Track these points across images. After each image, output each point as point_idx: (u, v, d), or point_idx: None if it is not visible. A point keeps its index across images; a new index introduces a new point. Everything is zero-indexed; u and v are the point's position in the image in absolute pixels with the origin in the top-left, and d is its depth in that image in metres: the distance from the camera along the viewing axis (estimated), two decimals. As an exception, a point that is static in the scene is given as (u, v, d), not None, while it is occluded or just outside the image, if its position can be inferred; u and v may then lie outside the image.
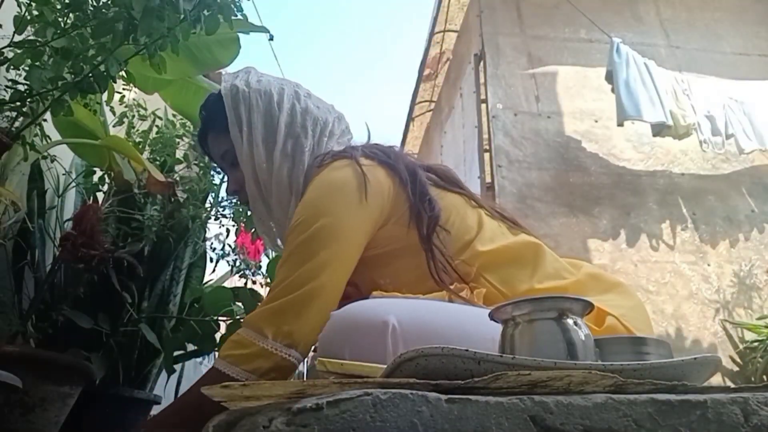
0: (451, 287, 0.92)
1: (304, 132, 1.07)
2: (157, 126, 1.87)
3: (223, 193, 1.81)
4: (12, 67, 1.14)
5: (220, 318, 1.58)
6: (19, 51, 1.10)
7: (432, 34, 4.45)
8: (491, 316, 0.68)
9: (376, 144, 1.11)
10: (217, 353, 1.51)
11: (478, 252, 0.97)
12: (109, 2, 1.10)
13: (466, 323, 0.81)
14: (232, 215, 1.89)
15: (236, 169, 1.10)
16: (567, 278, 0.98)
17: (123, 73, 1.27)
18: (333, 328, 0.81)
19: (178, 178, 1.76)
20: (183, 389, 1.78)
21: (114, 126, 1.80)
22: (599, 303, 0.88)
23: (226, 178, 1.19)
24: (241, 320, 1.45)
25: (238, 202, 1.18)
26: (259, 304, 0.94)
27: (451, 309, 0.86)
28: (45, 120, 1.31)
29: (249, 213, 1.78)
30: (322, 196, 0.97)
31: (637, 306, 0.97)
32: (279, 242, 1.15)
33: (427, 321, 0.81)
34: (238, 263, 1.99)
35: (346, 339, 0.78)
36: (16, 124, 1.22)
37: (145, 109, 1.87)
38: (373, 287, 0.95)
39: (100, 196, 1.74)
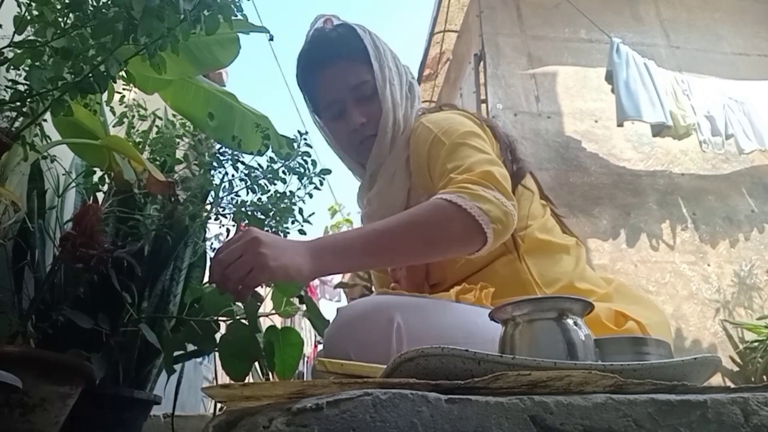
0: (458, 288, 0.93)
1: (410, 86, 1.13)
2: (157, 126, 1.87)
3: (222, 193, 1.80)
4: (12, 67, 1.14)
5: (220, 318, 1.58)
6: (19, 51, 1.10)
7: (432, 34, 4.45)
8: (491, 317, 0.68)
9: None
10: (217, 352, 1.51)
11: (533, 238, 1.00)
12: (109, 2, 1.10)
13: (471, 323, 0.81)
14: (232, 215, 1.88)
15: (367, 101, 1.08)
16: (601, 289, 1.00)
17: (123, 73, 1.27)
18: (339, 322, 0.82)
19: (178, 178, 1.75)
20: (183, 389, 1.78)
21: (114, 126, 1.80)
22: (623, 309, 0.90)
23: (348, 113, 1.10)
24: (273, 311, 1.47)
25: (356, 140, 1.10)
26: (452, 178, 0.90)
27: (456, 309, 0.87)
28: (45, 120, 1.31)
29: (250, 214, 1.77)
30: (461, 120, 1.03)
31: (662, 323, 0.98)
32: (379, 182, 1.11)
33: (432, 320, 0.81)
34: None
35: (351, 334, 0.79)
36: (16, 124, 1.22)
37: (145, 109, 1.87)
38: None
39: (100, 196, 1.74)
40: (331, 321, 0.84)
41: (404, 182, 1.07)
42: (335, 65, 1.09)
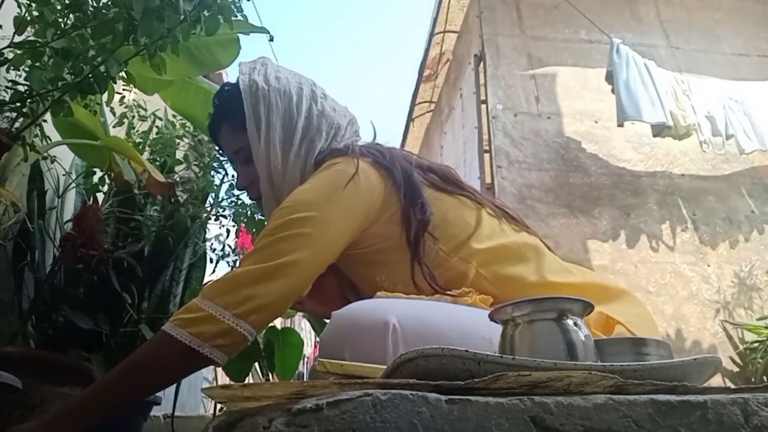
0: (453, 292, 0.92)
1: (319, 135, 1.06)
2: (157, 127, 1.88)
3: (222, 194, 1.81)
4: (12, 67, 1.14)
5: (220, 318, 1.58)
6: (19, 52, 1.10)
7: (432, 34, 4.46)
8: (491, 317, 0.68)
9: (377, 144, 1.11)
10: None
11: (474, 250, 0.96)
12: (109, 3, 1.10)
13: (467, 325, 0.81)
14: (232, 216, 1.89)
15: (249, 165, 1.09)
16: (575, 275, 0.99)
17: (123, 73, 1.27)
18: (334, 326, 0.81)
19: (178, 179, 1.75)
20: (183, 389, 1.78)
21: (114, 127, 1.80)
22: (606, 310, 0.89)
23: (235, 173, 1.17)
24: None
25: (249, 197, 1.16)
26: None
27: (453, 310, 0.87)
28: (45, 121, 1.31)
29: (249, 214, 1.78)
30: (312, 189, 0.96)
31: (643, 314, 0.97)
32: None
33: (428, 322, 0.81)
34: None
35: (347, 338, 0.78)
36: (16, 124, 1.22)
37: (145, 110, 1.87)
38: (372, 286, 0.95)
39: (100, 196, 1.74)
40: (326, 325, 0.83)
41: None
42: (221, 127, 1.13)
